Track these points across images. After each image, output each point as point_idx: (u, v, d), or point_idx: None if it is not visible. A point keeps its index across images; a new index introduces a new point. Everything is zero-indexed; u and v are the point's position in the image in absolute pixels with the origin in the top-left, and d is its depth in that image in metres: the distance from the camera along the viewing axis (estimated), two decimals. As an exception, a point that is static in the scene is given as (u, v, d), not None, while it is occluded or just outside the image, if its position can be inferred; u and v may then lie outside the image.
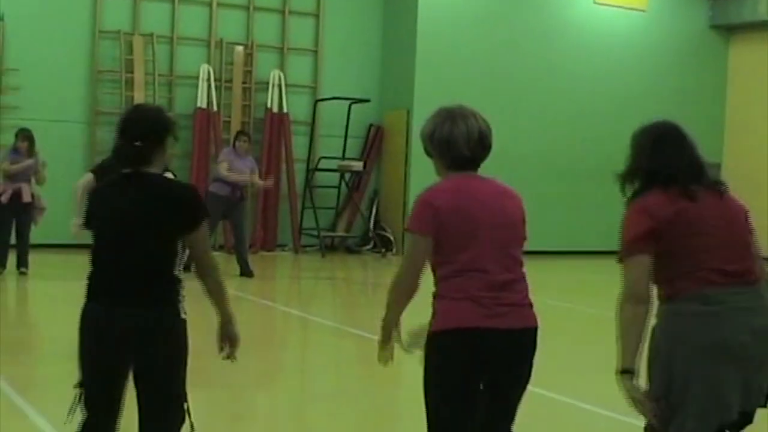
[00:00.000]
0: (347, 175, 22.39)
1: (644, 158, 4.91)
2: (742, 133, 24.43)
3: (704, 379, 4.53)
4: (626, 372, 4.63)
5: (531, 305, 4.96)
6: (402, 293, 4.98)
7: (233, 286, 16.24)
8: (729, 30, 25.79)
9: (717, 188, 4.90)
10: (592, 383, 9.93)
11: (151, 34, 20.89)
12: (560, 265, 21.26)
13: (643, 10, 24.60)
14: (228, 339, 5.21)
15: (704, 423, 4.55)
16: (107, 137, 17.93)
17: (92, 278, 5.00)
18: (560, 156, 23.06)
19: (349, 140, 22.35)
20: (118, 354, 4.88)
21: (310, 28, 22.65)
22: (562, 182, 23.01)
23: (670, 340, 4.63)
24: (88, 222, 5.11)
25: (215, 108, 21.14)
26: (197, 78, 21.06)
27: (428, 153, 5.08)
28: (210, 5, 21.60)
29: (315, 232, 21.85)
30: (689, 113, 25.46)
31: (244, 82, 21.74)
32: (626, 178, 4.99)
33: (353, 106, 22.03)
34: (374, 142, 23.09)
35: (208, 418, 7.76)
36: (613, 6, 24.19)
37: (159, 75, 20.94)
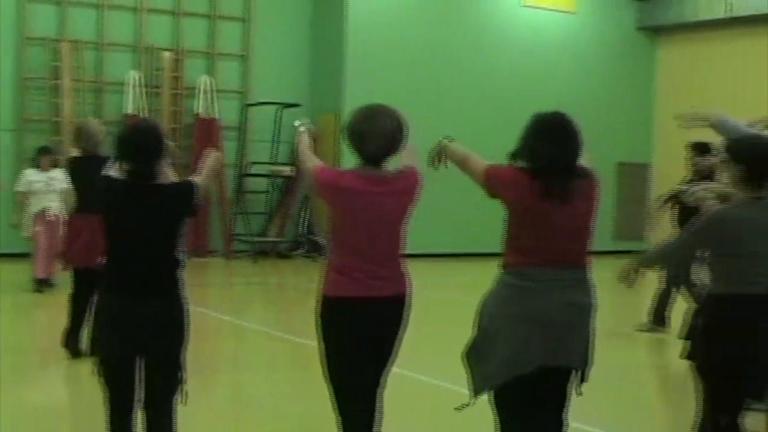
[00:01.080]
0: (278, 180, 22.34)
1: (528, 144, 5.65)
2: (670, 134, 24.62)
3: (508, 338, 5.55)
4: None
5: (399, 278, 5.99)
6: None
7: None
8: (656, 31, 26.12)
9: (576, 183, 5.58)
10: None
11: (78, 41, 20.73)
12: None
13: (571, 12, 24.83)
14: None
15: (501, 370, 5.58)
16: (35, 144, 17.76)
17: (108, 273, 5.88)
18: (487, 158, 23.10)
19: (279, 145, 22.33)
20: (134, 338, 5.80)
21: (239, 32, 22.62)
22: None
23: (492, 302, 5.67)
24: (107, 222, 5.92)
25: (144, 114, 21.02)
26: (125, 84, 20.93)
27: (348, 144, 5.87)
28: (137, 11, 21.49)
29: (246, 238, 21.79)
30: (618, 114, 25.82)
31: (173, 88, 21.66)
32: (512, 156, 5.74)
33: (283, 111, 22.01)
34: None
35: (140, 425, 7.71)
36: (542, 8, 24.39)
37: (87, 81, 20.81)
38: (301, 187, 21.58)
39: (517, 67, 23.81)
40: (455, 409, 5.93)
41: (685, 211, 11.30)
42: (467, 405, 5.79)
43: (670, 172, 22.07)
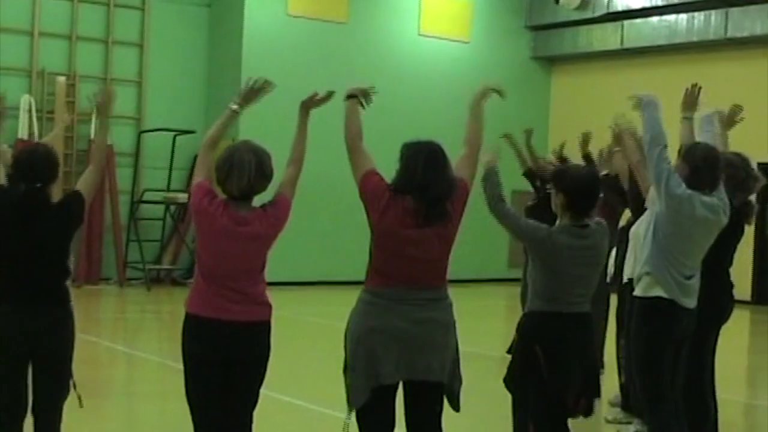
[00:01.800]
0: (172, 207, 22.20)
1: (401, 167, 6.09)
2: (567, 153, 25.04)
3: (366, 351, 5.92)
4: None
5: (256, 306, 6.13)
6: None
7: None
8: (550, 61, 26.51)
9: (443, 216, 5.95)
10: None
11: (-31, 65, 20.46)
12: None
13: (466, 42, 25.08)
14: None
15: (363, 381, 5.92)
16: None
17: (1, 283, 6.21)
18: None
19: (174, 172, 22.19)
20: (25, 343, 6.15)
21: (134, 58, 22.47)
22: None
23: (354, 318, 6.05)
24: None
25: (37, 139, 20.72)
26: (18, 109, 20.65)
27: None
28: (31, 34, 21.25)
29: (140, 265, 21.61)
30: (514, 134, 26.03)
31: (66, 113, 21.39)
32: (394, 185, 6.07)
33: (178, 138, 21.90)
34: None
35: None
36: (437, 37, 24.59)
37: (-22, 106, 20.50)
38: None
39: (414, 97, 23.92)
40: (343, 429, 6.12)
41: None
42: (348, 421, 6.05)
43: (563, 201, 22.45)
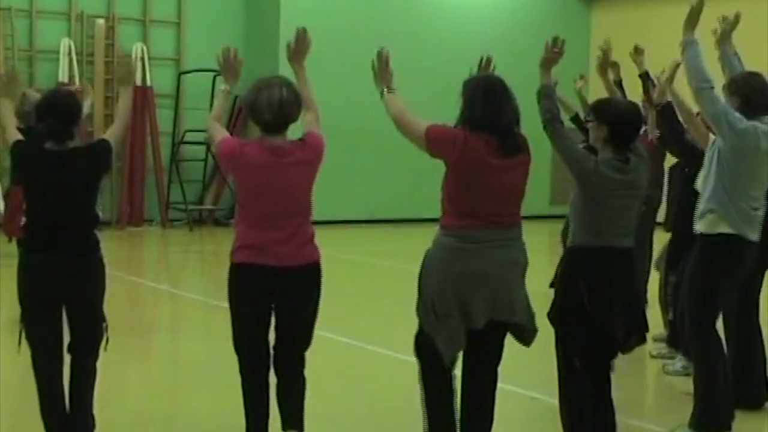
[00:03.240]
0: (213, 148, 22.21)
1: (466, 106, 6.03)
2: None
3: (457, 296, 5.92)
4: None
5: (306, 247, 6.13)
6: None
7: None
8: (590, -4, 26.21)
9: (518, 146, 6.05)
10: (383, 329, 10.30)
11: (10, 8, 20.47)
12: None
13: (503, -21, 24.85)
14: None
15: (456, 329, 5.96)
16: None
17: (29, 230, 6.36)
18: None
19: (214, 113, 22.17)
20: (57, 288, 6.25)
21: (173, -1, 22.44)
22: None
23: (434, 265, 6.00)
24: (22, 181, 6.56)
25: (77, 83, 20.78)
26: (58, 52, 20.71)
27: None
28: (69, -22, 21.24)
29: (182, 206, 21.71)
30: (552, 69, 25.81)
31: (106, 56, 21.43)
32: (458, 119, 6.07)
33: (217, 79, 21.87)
34: (239, 114, 22.95)
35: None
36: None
37: (19, 50, 20.56)
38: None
39: (451, 36, 23.73)
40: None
41: None
42: (453, 366, 6.15)
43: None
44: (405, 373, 7.34)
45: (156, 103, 21.80)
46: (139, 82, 21.39)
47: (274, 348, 6.36)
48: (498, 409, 6.40)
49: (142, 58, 21.47)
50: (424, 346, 6.11)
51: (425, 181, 23.22)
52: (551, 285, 6.52)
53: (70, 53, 20.77)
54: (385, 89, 6.28)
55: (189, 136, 21.84)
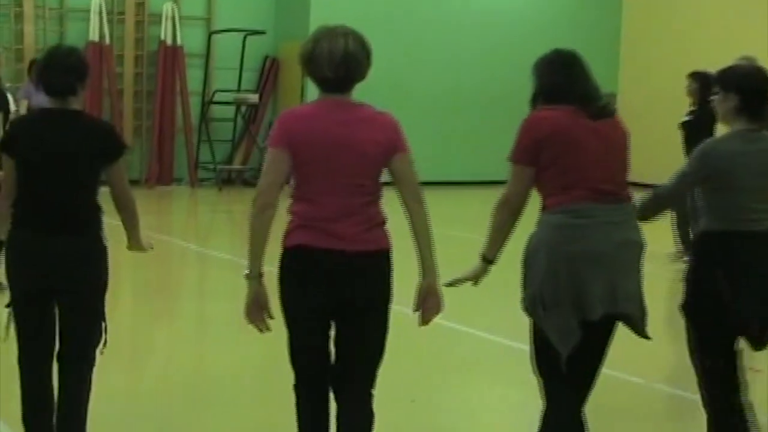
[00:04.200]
0: (243, 108, 22.24)
1: (540, 80, 5.37)
2: (637, 63, 24.58)
3: (569, 282, 5.09)
4: (486, 260, 5.48)
5: (372, 231, 4.92)
6: (257, 209, 4.90)
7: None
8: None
9: (604, 111, 5.35)
10: (475, 308, 10.16)
11: (41, -33, 20.51)
12: (463, 195, 21.39)
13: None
14: (140, 246, 5.89)
15: (569, 318, 5.11)
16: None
17: (19, 205, 5.36)
18: (461, 88, 23.08)
19: (244, 73, 22.19)
20: (47, 276, 5.26)
21: (204, -42, 22.41)
22: (462, 114, 23.06)
23: (543, 247, 5.18)
24: (9, 150, 5.40)
25: (108, 41, 20.83)
26: (89, 11, 20.72)
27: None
28: (100, -64, 21.22)
29: (211, 166, 21.75)
30: (584, 43, 25.58)
31: (136, 15, 21.44)
32: (532, 101, 5.42)
33: (248, 38, 21.86)
34: (269, 74, 22.97)
35: (108, 349, 7.76)
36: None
37: (49, 9, 20.58)
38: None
39: (482, 19, 23.42)
40: None
41: (690, 141, 11.39)
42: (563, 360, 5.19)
43: (636, 102, 22.10)
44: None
45: (186, 62, 21.80)
46: (169, 41, 21.41)
47: (334, 364, 5.12)
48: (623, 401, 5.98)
49: (173, 18, 21.46)
50: (538, 336, 5.28)
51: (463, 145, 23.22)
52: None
53: (100, 12, 20.77)
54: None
55: (219, 96, 21.86)
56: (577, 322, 5.11)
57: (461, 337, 9.06)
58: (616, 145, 5.35)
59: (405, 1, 22.41)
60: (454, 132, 22.77)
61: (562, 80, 5.33)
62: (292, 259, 4.92)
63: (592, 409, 5.45)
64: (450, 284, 5.39)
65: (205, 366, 8.41)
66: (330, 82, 4.89)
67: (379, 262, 4.95)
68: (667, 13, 23.68)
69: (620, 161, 5.35)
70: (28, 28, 20.10)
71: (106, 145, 5.37)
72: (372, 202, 4.93)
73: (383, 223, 4.98)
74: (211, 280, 12.56)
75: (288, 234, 4.91)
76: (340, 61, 4.84)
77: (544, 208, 5.25)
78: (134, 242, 5.81)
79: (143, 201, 18.94)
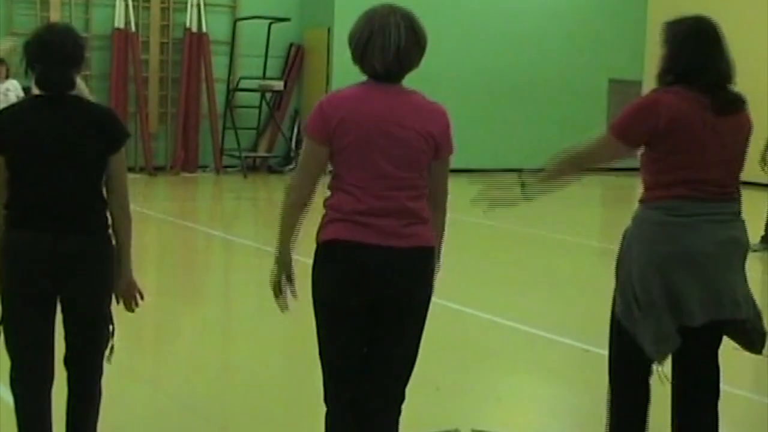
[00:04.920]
0: (268, 95, 22.27)
1: (676, 57, 4.89)
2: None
3: (666, 284, 4.73)
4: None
5: (414, 227, 4.53)
6: (290, 205, 4.57)
7: (155, 209, 16.21)
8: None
9: (732, 106, 4.86)
10: (500, 296, 10.14)
11: (66, -47, 20.53)
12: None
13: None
14: (123, 291, 4.98)
15: (664, 325, 4.74)
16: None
17: (14, 205, 4.75)
18: (485, 75, 23.05)
19: (269, 60, 22.20)
20: (50, 277, 4.72)
21: (229, -55, 22.40)
22: (485, 101, 23.03)
23: (639, 244, 4.83)
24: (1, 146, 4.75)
25: (133, 28, 20.87)
26: (115, -2, 20.76)
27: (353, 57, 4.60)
28: (126, -77, 21.23)
29: (236, 153, 21.76)
30: (610, 30, 25.65)
31: (162, 2, 21.48)
32: (659, 77, 4.94)
33: (273, 26, 21.87)
34: (295, 61, 22.97)
35: (133, 336, 7.78)
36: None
37: (75, -5, 20.64)
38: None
39: (506, 13, 23.43)
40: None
41: None
42: (658, 371, 4.97)
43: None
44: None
45: (211, 49, 21.81)
46: (195, 28, 21.43)
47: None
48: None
49: (198, 5, 21.47)
50: (620, 343, 4.98)
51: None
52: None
53: (126, -1, 20.81)
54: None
55: (244, 83, 21.87)
56: (675, 328, 4.76)
57: (486, 326, 9.03)
58: (736, 144, 4.92)
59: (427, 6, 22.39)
60: (476, 118, 22.71)
61: (701, 63, 4.81)
62: (327, 254, 4.51)
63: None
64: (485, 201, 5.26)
65: (230, 353, 8.41)
66: (380, 76, 4.49)
67: (421, 259, 4.55)
68: (694, 9, 23.47)
69: (736, 161, 4.94)
70: (54, 16, 20.12)
71: (108, 132, 4.80)
72: (417, 197, 4.53)
73: (427, 220, 4.57)
74: (236, 267, 12.56)
75: (323, 228, 4.53)
76: (392, 58, 4.43)
77: (643, 200, 4.91)
78: (123, 273, 4.95)
79: (168, 188, 19.13)
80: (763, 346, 4.97)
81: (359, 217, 4.44)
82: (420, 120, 4.48)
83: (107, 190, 4.85)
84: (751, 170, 5.63)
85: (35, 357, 4.84)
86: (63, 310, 4.83)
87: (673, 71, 4.84)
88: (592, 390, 6.67)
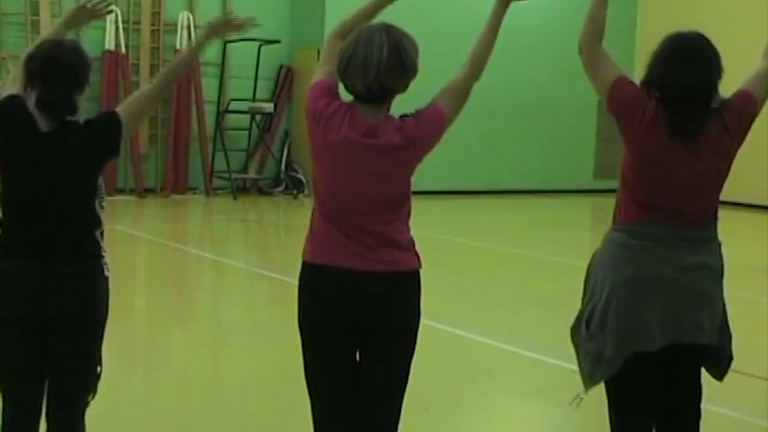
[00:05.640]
0: (258, 117, 22.29)
1: (651, 66, 4.85)
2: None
3: (623, 308, 4.69)
4: None
5: (396, 251, 4.42)
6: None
7: (145, 230, 16.23)
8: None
9: (699, 122, 4.69)
10: (490, 317, 10.16)
11: (57, -24, 20.57)
12: (475, 204, 21.41)
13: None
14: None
15: (619, 349, 4.69)
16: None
17: (7, 234, 4.52)
18: (475, 95, 22.95)
19: (259, 82, 22.24)
20: (38, 306, 4.43)
21: (219, -32, 22.46)
22: (476, 121, 23.03)
23: (602, 266, 4.82)
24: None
25: (123, 50, 20.91)
26: (105, 20, 20.76)
27: None
28: (116, -55, 21.30)
29: (226, 175, 21.77)
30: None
31: (152, 24, 21.52)
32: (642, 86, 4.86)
33: (263, 47, 21.92)
34: (285, 83, 23.01)
35: (124, 356, 7.79)
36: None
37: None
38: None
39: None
40: (570, 403, 5.11)
41: None
42: (581, 397, 4.96)
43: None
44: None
45: (201, 71, 21.85)
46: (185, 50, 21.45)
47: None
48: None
49: (188, 27, 21.53)
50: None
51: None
52: None
53: (116, 21, 20.84)
54: None
55: (234, 105, 21.92)
56: (621, 354, 4.69)
57: (476, 347, 9.06)
58: (718, 169, 4.78)
59: (423, 7, 22.42)
60: (466, 138, 22.74)
61: (675, 78, 4.70)
62: (306, 275, 4.45)
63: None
64: None
65: (221, 374, 8.42)
66: (361, 96, 4.37)
67: (399, 284, 4.42)
68: (683, 7, 23.65)
69: (708, 185, 4.80)
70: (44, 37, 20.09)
71: (104, 150, 4.57)
72: (394, 220, 4.42)
73: (407, 245, 4.45)
74: (226, 288, 12.57)
75: (305, 244, 4.46)
76: (373, 77, 4.30)
77: (613, 220, 4.90)
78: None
79: (158, 210, 19.15)
80: (725, 372, 4.97)
81: (336, 239, 4.38)
82: (395, 131, 4.38)
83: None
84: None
85: (22, 392, 4.57)
86: (49, 344, 4.51)
87: (653, 85, 4.78)
88: (581, 410, 6.69)
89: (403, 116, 4.45)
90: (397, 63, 4.34)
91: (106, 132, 4.57)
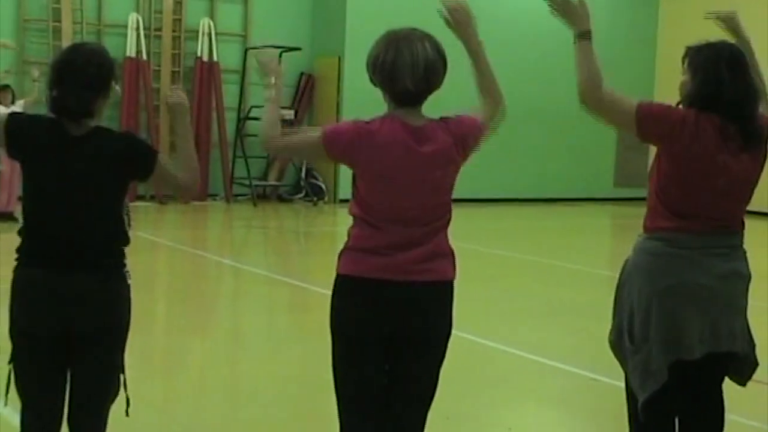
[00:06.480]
0: (279, 124, 22.32)
1: (701, 81, 4.79)
2: (673, 68, 24.32)
3: (664, 317, 4.70)
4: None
5: (438, 260, 4.43)
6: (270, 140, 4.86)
7: (166, 237, 16.25)
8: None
9: (750, 132, 4.72)
10: (510, 325, 10.13)
11: (79, -18, 20.65)
12: (495, 212, 21.40)
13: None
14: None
15: (663, 359, 4.70)
16: (34, 87, 17.71)
17: (28, 241, 4.49)
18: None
19: (280, 89, 22.25)
20: (60, 319, 4.41)
21: (240, -25, 22.50)
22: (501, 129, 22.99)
23: (637, 275, 4.81)
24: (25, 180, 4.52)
25: (144, 57, 20.97)
26: (126, 27, 20.86)
27: (373, 82, 4.45)
28: (138, -48, 21.35)
29: (247, 182, 21.80)
30: (620, 48, 25.61)
31: (173, 31, 21.59)
32: (684, 102, 4.87)
33: (284, 55, 21.90)
34: (305, 90, 23.04)
35: (143, 363, 7.79)
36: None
37: (87, 24, 20.72)
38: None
39: (520, 7, 23.50)
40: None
41: None
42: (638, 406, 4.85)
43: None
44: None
45: (222, 78, 21.90)
46: (206, 57, 21.53)
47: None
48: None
49: (209, 34, 21.57)
50: (627, 382, 4.94)
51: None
52: None
53: (137, 28, 20.92)
54: (578, 33, 5.05)
55: (254, 112, 21.91)
56: (666, 363, 4.71)
57: (495, 355, 9.04)
58: (751, 177, 4.82)
59: (435, 14, 22.36)
60: (496, 146, 22.69)
61: (728, 91, 4.70)
62: (345, 287, 4.40)
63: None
64: None
65: (239, 380, 8.41)
66: (410, 95, 4.36)
67: (439, 294, 4.44)
68: (703, 16, 23.50)
69: (747, 193, 4.86)
70: (66, 43, 20.17)
71: (133, 167, 4.55)
72: (437, 230, 4.42)
73: (447, 254, 4.47)
74: (246, 295, 12.57)
75: (342, 257, 4.44)
76: (422, 74, 4.33)
77: (645, 228, 4.87)
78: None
79: (179, 216, 19.19)
80: (750, 377, 5.00)
81: (378, 250, 4.34)
82: (443, 132, 4.40)
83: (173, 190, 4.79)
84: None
85: (43, 400, 4.53)
86: (70, 355, 4.50)
87: (701, 98, 4.75)
88: (600, 418, 6.68)
89: (442, 119, 4.48)
90: (440, 59, 4.43)
91: (144, 159, 4.59)
